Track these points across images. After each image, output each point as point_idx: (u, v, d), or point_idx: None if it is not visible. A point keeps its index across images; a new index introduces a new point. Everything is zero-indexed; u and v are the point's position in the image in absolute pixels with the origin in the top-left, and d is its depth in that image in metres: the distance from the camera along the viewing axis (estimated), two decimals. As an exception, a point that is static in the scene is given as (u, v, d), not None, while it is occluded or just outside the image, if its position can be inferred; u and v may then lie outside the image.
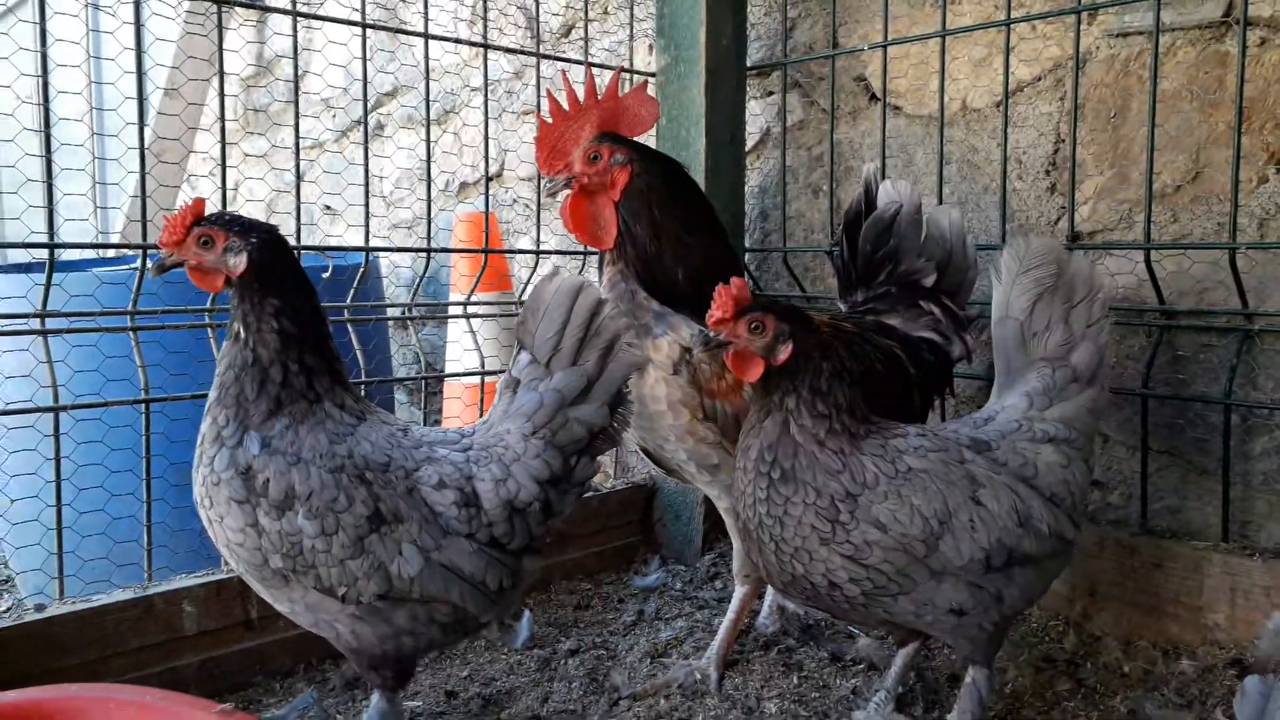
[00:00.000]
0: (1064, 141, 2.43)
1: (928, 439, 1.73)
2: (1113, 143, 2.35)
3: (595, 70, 2.73)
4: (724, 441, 2.01)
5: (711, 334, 1.68)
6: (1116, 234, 2.35)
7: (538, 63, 2.91)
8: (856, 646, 2.20)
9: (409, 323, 3.03)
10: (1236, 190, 2.05)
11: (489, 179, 3.10)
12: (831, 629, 2.33)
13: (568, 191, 2.02)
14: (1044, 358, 1.84)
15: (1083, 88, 2.37)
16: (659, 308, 2.00)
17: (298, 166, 2.33)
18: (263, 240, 1.62)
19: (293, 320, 1.61)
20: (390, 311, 3.86)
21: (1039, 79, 2.49)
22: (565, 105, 2.08)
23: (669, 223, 2.01)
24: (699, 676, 2.10)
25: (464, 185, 4.32)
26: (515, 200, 4.01)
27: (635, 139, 2.08)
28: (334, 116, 4.93)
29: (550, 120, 2.07)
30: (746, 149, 2.95)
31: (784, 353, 1.66)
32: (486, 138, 2.79)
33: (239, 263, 1.60)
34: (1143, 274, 2.23)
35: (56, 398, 2.03)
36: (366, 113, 2.49)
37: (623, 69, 2.21)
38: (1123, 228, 2.34)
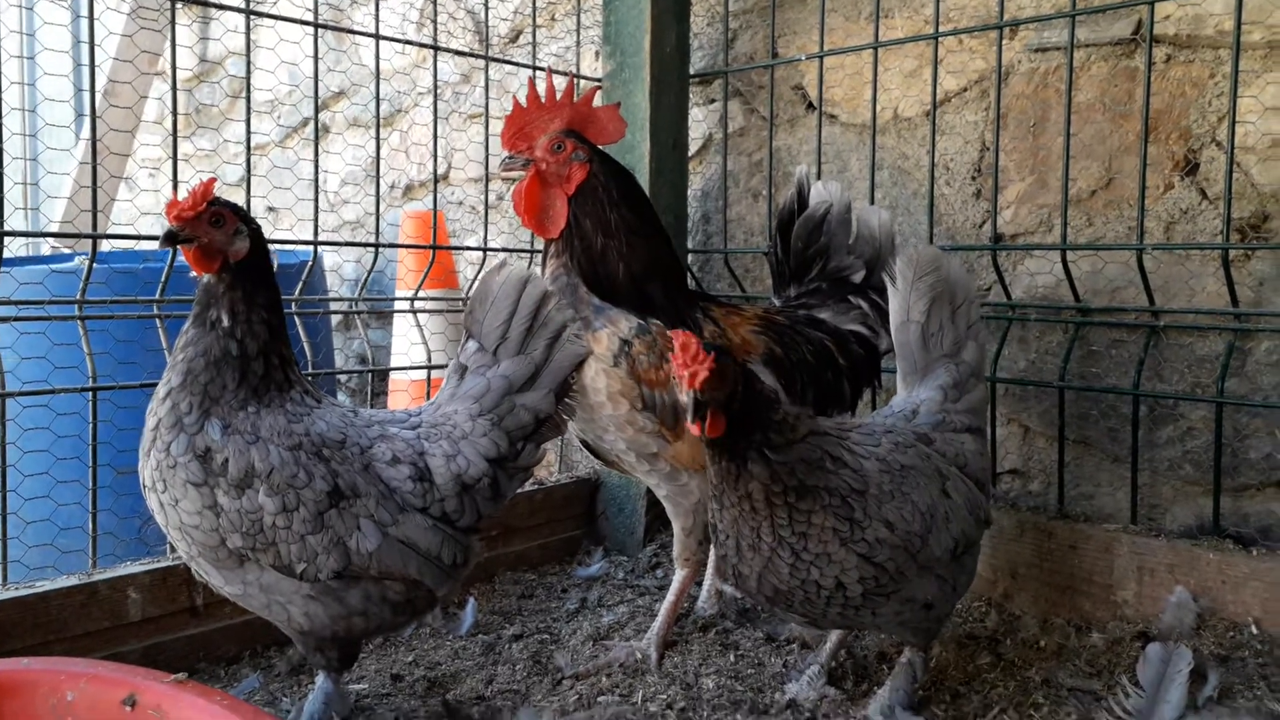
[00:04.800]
0: (988, 149, 2.57)
1: (897, 434, 1.82)
2: (1033, 151, 2.49)
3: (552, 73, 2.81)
4: (662, 430, 2.10)
5: (688, 394, 1.58)
6: (1036, 236, 2.49)
7: (486, 66, 2.97)
8: (790, 627, 2.29)
9: (356, 319, 3.07)
10: (1144, 196, 2.20)
11: (437, 179, 3.16)
12: (766, 612, 2.42)
13: (523, 173, 2.10)
14: (944, 355, 1.97)
15: (1005, 99, 2.51)
16: (599, 302, 2.08)
17: (248, 164, 2.36)
18: (258, 229, 1.67)
19: (277, 312, 1.67)
20: (338, 305, 3.88)
21: (965, 90, 2.63)
22: (543, 95, 2.15)
23: (618, 223, 2.10)
24: (640, 656, 2.17)
25: (410, 186, 4.36)
26: (462, 201, 4.06)
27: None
28: (278, 117, 4.94)
29: (524, 105, 2.15)
30: (690, 154, 3.05)
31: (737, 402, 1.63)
32: (435, 138, 2.85)
33: (243, 247, 1.64)
34: (1060, 274, 2.37)
35: (2, 384, 2.04)
36: (317, 111, 2.54)
37: (574, 75, 2.29)
38: (1042, 231, 2.49)
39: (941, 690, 1.98)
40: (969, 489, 1.84)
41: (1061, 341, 2.43)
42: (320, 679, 1.77)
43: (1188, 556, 2.12)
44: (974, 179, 2.62)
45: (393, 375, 3.64)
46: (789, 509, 1.66)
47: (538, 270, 2.09)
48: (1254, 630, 2.01)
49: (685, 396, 1.57)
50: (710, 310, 2.19)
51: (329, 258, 4.48)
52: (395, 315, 3.63)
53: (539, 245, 2.97)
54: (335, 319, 4.47)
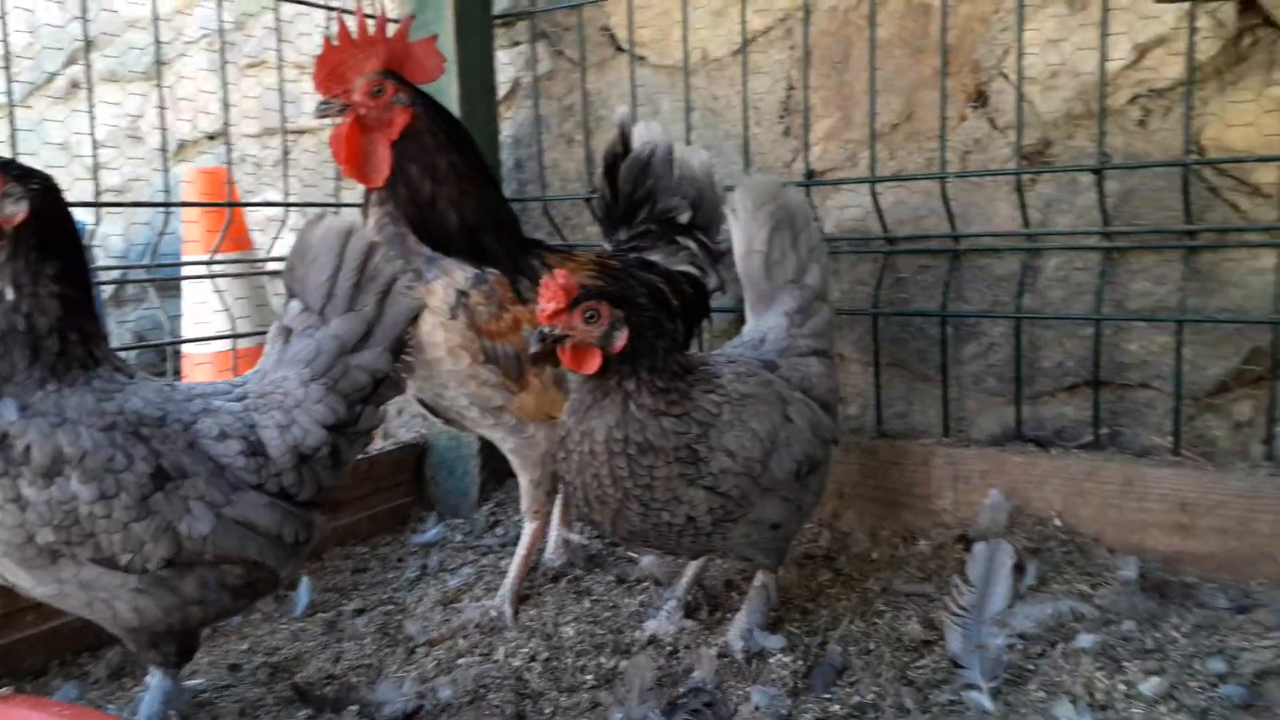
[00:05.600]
0: (795, 88, 2.64)
1: (738, 365, 1.84)
2: (838, 88, 2.58)
3: (347, 17, 2.62)
4: (506, 382, 2.04)
5: (546, 329, 1.62)
6: (844, 171, 2.60)
7: (276, 6, 2.74)
8: (640, 567, 2.32)
9: (147, 288, 2.79)
10: (945, 128, 2.33)
11: (222, 133, 2.90)
12: (613, 556, 2.43)
13: (340, 120, 1.95)
14: (788, 281, 2.03)
15: (810, 36, 2.58)
16: (430, 252, 1.99)
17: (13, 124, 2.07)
18: (45, 188, 1.45)
19: (74, 283, 1.46)
20: (109, 276, 3.52)
21: (770, 29, 2.68)
22: (354, 33, 1.99)
23: (448, 168, 2.00)
24: (494, 614, 2.13)
25: (183, 144, 4.00)
26: (244, 158, 3.77)
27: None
28: (17, 73, 4.37)
29: (336, 44, 1.98)
30: (498, 99, 2.96)
31: (621, 339, 1.64)
32: (225, 86, 2.61)
33: (17, 211, 1.42)
34: (869, 206, 2.48)
35: None
36: (89, 64, 2.25)
37: (386, 18, 2.14)
38: (849, 165, 2.59)
39: (791, 609, 2.06)
40: (813, 411, 1.90)
41: (872, 270, 2.56)
42: (156, 678, 1.62)
43: (996, 462, 2.31)
44: (782, 118, 2.70)
45: (191, 350, 3.34)
46: (630, 461, 1.68)
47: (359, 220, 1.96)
48: (1057, 523, 2.22)
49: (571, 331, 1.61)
50: (546, 258, 2.14)
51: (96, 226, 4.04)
52: (185, 284, 3.32)
53: (347, 198, 2.81)
54: (105, 294, 4.06)
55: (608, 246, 2.38)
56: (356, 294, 1.72)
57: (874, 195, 2.45)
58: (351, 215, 1.99)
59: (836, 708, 1.70)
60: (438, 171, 1.99)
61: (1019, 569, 1.98)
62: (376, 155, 1.98)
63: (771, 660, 1.84)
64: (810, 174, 2.60)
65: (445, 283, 1.97)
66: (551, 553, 2.42)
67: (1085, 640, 1.77)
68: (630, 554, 2.41)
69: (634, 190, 2.34)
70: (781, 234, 2.00)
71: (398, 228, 1.98)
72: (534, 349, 1.64)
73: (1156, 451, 2.27)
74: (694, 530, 1.78)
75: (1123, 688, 1.63)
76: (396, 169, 1.97)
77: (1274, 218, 2.10)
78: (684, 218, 2.36)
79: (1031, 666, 1.75)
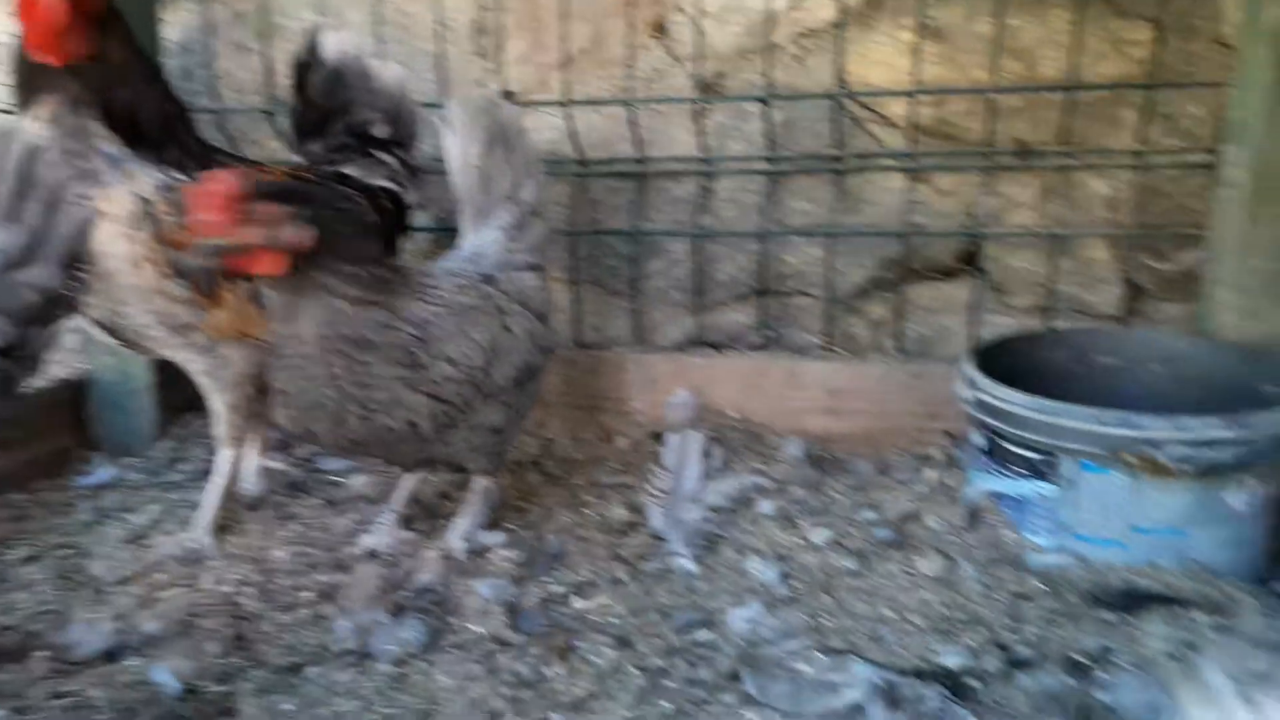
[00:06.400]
0: (486, 9, 2.66)
1: (458, 276, 1.87)
2: (530, 12, 2.63)
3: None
4: (196, 298, 1.91)
5: (218, 241, 1.54)
6: (537, 95, 2.66)
7: None
8: (350, 487, 2.29)
9: None
10: (630, 56, 2.48)
11: None
12: (319, 480, 2.38)
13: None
14: (505, 196, 2.08)
15: (499, -43, 2.61)
16: (114, 151, 1.80)
17: None
18: None
19: None
20: None
21: (460, -55, 2.67)
22: None
23: (138, 62, 1.81)
24: (193, 545, 2.01)
25: None
26: None
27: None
28: None
29: None
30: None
31: (304, 235, 1.59)
32: None
33: None
34: (563, 129, 2.58)
35: None
36: None
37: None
38: (542, 89, 2.66)
39: (507, 510, 2.15)
40: (531, 323, 1.98)
41: (567, 192, 2.67)
42: None
43: (681, 365, 2.54)
44: (475, 39, 2.70)
45: None
46: (347, 358, 1.66)
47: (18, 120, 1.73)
48: (735, 415, 2.49)
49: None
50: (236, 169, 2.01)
51: None
52: None
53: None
54: None
55: (301, 160, 2.28)
56: (19, 203, 1.54)
57: (567, 120, 2.56)
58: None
59: (558, 588, 1.82)
60: (129, 63, 1.80)
61: (707, 454, 2.22)
62: (75, 24, 1.73)
63: (493, 556, 1.93)
64: (505, 96, 2.65)
65: (129, 189, 1.79)
66: (250, 482, 2.31)
67: (766, 507, 2.03)
68: (336, 477, 2.37)
69: (326, 102, 2.25)
70: (497, 149, 2.04)
71: (80, 118, 1.76)
72: (207, 262, 1.57)
73: (812, 349, 2.62)
74: (417, 437, 1.81)
75: (799, 541, 1.90)
76: (97, 45, 1.75)
77: (903, 145, 2.47)
78: (381, 132, 2.31)
79: (724, 533, 1.97)
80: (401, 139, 2.34)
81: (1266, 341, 2.07)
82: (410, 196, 2.37)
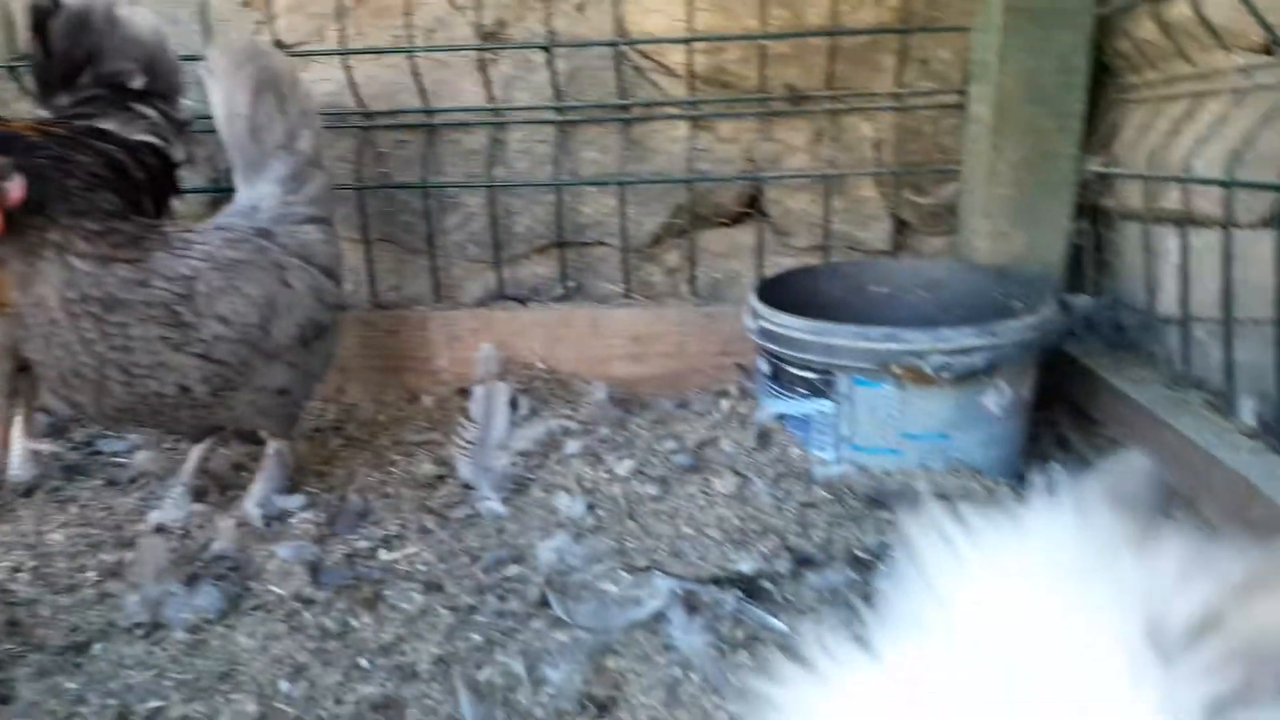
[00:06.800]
0: (251, -44, 2.52)
1: (227, 231, 1.78)
2: (298, -42, 2.52)
3: None
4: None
5: None
6: (313, 46, 2.56)
7: None
8: (133, 466, 2.16)
9: None
10: (407, 4, 2.43)
11: None
12: (98, 461, 2.22)
13: None
14: (278, 147, 2.00)
15: (261, -99, 2.47)
16: None
17: None
18: None
19: None
20: None
21: (216, -111, 2.51)
22: None
23: None
24: (-47, 538, 1.84)
25: None
26: None
27: None
28: None
29: None
30: None
31: (16, 190, 1.47)
32: None
33: None
34: (343, 81, 2.49)
35: None
36: None
37: None
38: (317, 39, 2.56)
39: (307, 475, 2.09)
40: (314, 278, 1.92)
41: (352, 147, 2.58)
42: None
43: (485, 320, 2.53)
44: (240, -12, 2.56)
45: None
46: (97, 322, 1.57)
47: None
48: (541, 366, 2.51)
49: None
50: (-32, 122, 1.83)
51: None
52: None
53: None
54: None
55: (48, 114, 2.10)
56: None
57: (347, 69, 2.48)
58: None
59: (363, 543, 1.78)
60: None
61: (514, 404, 2.23)
62: None
63: (293, 520, 1.87)
64: (278, 46, 2.53)
65: None
66: (19, 467, 2.13)
67: (572, 447, 2.07)
68: (119, 458, 2.23)
69: (71, 49, 2.08)
70: (266, 97, 1.95)
71: None
72: None
73: (613, 298, 2.67)
74: (191, 402, 1.73)
75: (605, 475, 1.95)
76: None
77: (684, 93, 2.55)
78: (137, 83, 2.16)
79: (532, 476, 2.00)
80: (161, 91, 2.20)
81: (1014, 262, 2.29)
82: (178, 153, 2.24)
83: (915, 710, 0.59)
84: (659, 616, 1.45)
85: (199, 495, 1.98)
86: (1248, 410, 1.74)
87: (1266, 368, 1.69)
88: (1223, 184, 1.69)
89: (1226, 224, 1.74)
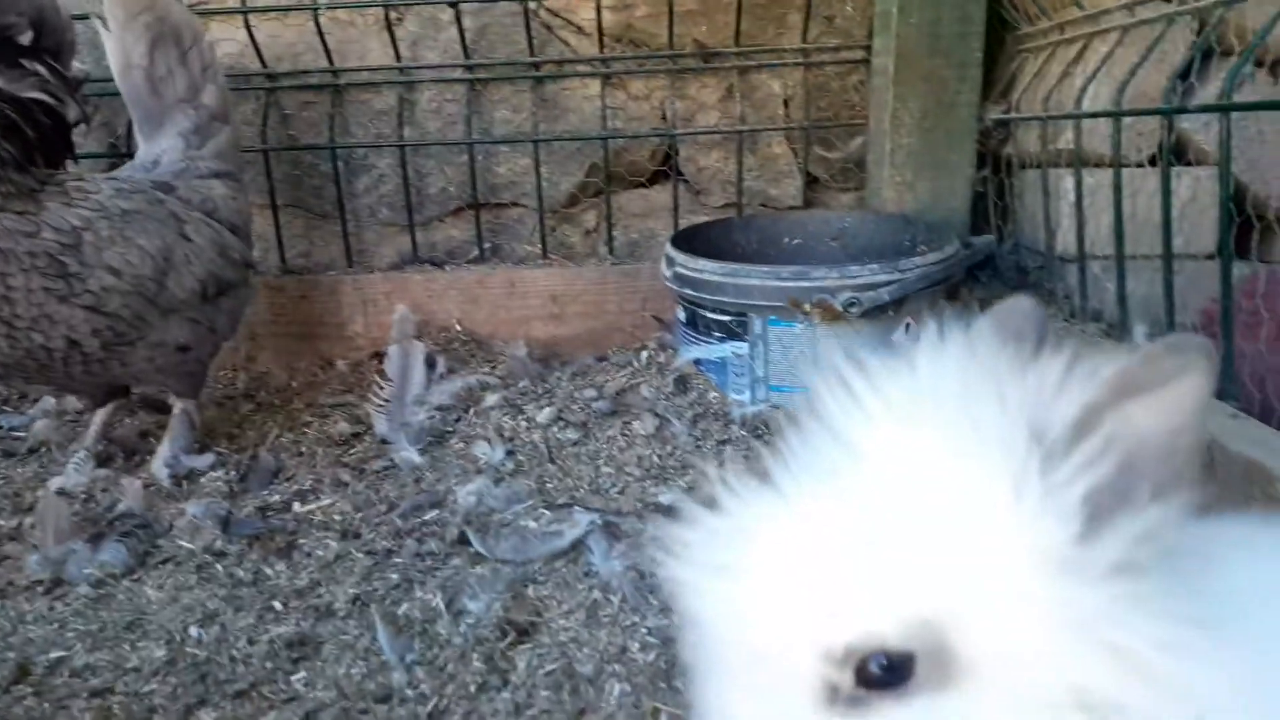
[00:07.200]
0: (142, -88, 2.43)
1: (120, 182, 1.73)
2: (193, -87, 2.45)
3: None
4: None
5: None
6: (214, 4, 2.49)
7: None
8: (31, 434, 2.07)
9: None
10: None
11: None
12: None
13: None
14: (180, 100, 1.95)
15: None
16: None
17: None
18: None
19: None
20: None
21: None
22: None
23: None
24: None
25: None
26: None
27: None
28: None
29: None
30: None
31: None
32: None
33: None
34: (244, 41, 2.43)
35: None
36: None
37: None
38: (217, 0, 2.49)
39: (217, 437, 2.04)
40: (218, 233, 1.87)
41: (256, 109, 2.52)
42: None
43: (399, 283, 2.49)
44: (132, -54, 2.47)
45: None
46: None
47: None
48: (458, 328, 2.48)
49: None
50: None
51: None
52: None
53: None
54: None
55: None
56: None
57: (249, 28, 2.41)
58: None
59: (276, 498, 1.75)
60: None
61: (430, 363, 2.20)
62: None
63: (202, 479, 1.82)
64: (174, 6, 2.45)
65: None
66: (-96, 442, 2.03)
67: (491, 400, 2.05)
68: (16, 432, 2.14)
69: (-47, 2, 1.99)
70: (165, 48, 1.90)
71: None
72: None
73: (531, 259, 2.65)
74: (83, 357, 1.68)
75: (524, 423, 1.94)
76: None
77: (595, 52, 2.55)
78: (25, 38, 2.07)
79: (451, 429, 1.98)
80: (50, 48, 2.11)
81: (920, 211, 2.35)
82: (71, 113, 2.15)
83: (821, 538, 0.61)
84: (579, 546, 1.45)
85: (104, 461, 1.92)
86: (1140, 337, 1.82)
87: (1157, 298, 1.76)
88: (1111, 114, 1.76)
89: (1116, 162, 1.81)
